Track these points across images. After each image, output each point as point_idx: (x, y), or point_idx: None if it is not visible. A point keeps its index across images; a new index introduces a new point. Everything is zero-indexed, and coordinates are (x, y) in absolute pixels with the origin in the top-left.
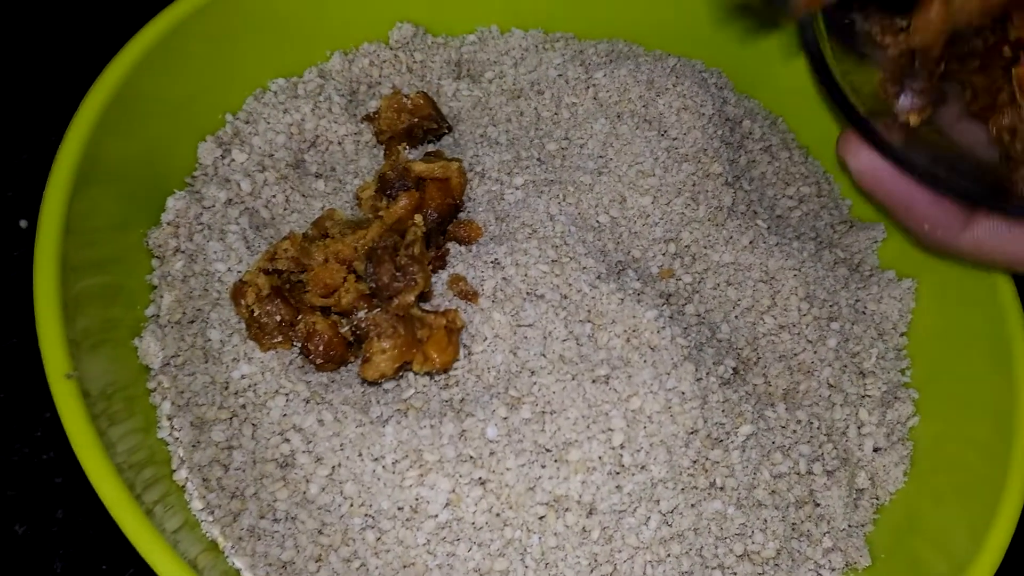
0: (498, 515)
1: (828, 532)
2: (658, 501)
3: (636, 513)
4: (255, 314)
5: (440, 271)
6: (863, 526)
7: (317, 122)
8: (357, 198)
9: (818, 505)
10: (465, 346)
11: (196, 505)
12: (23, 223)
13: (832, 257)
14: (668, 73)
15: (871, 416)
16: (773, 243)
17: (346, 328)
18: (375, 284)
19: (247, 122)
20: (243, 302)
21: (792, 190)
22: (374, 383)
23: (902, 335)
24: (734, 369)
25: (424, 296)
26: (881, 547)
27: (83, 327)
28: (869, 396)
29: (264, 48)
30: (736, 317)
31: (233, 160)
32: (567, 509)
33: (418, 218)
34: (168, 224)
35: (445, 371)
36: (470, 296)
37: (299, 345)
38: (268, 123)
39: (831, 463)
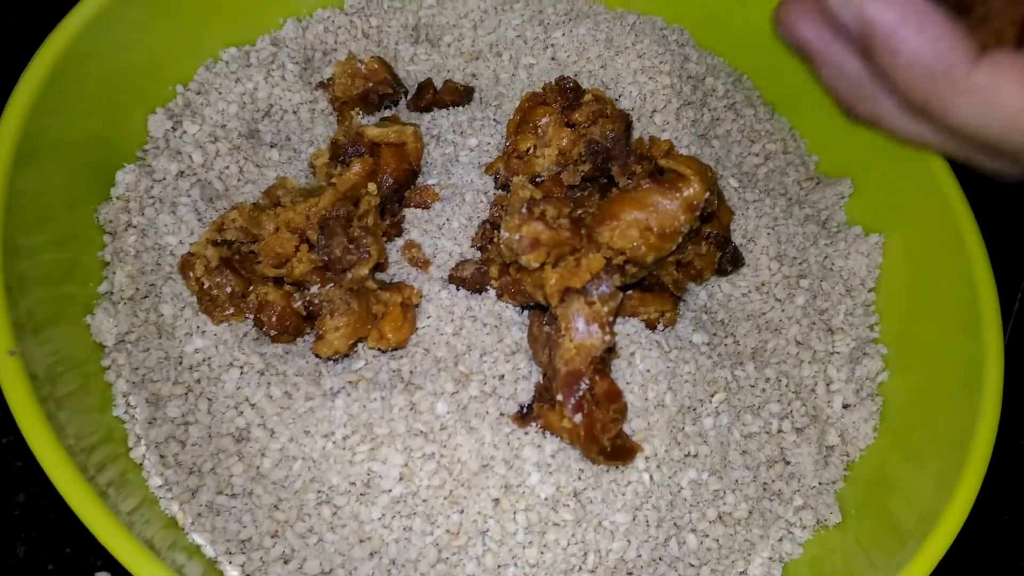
0: (451, 492)
1: (799, 490)
2: (628, 483)
3: (607, 494)
4: (205, 286)
5: (396, 239)
6: (833, 483)
7: (270, 91)
8: (311, 166)
9: (788, 463)
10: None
11: (154, 482)
12: None
13: (801, 214)
14: (627, 31)
15: (840, 373)
16: (751, 199)
17: (299, 303)
18: (327, 257)
19: (198, 93)
20: (192, 274)
21: (758, 147)
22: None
23: (870, 291)
24: (712, 335)
25: (379, 266)
26: (852, 503)
27: (30, 306)
28: (838, 353)
29: (215, 16)
30: (711, 281)
31: (185, 132)
32: (526, 491)
33: (372, 186)
34: (118, 199)
35: (399, 348)
36: (421, 264)
37: (252, 317)
38: (220, 93)
39: (800, 421)
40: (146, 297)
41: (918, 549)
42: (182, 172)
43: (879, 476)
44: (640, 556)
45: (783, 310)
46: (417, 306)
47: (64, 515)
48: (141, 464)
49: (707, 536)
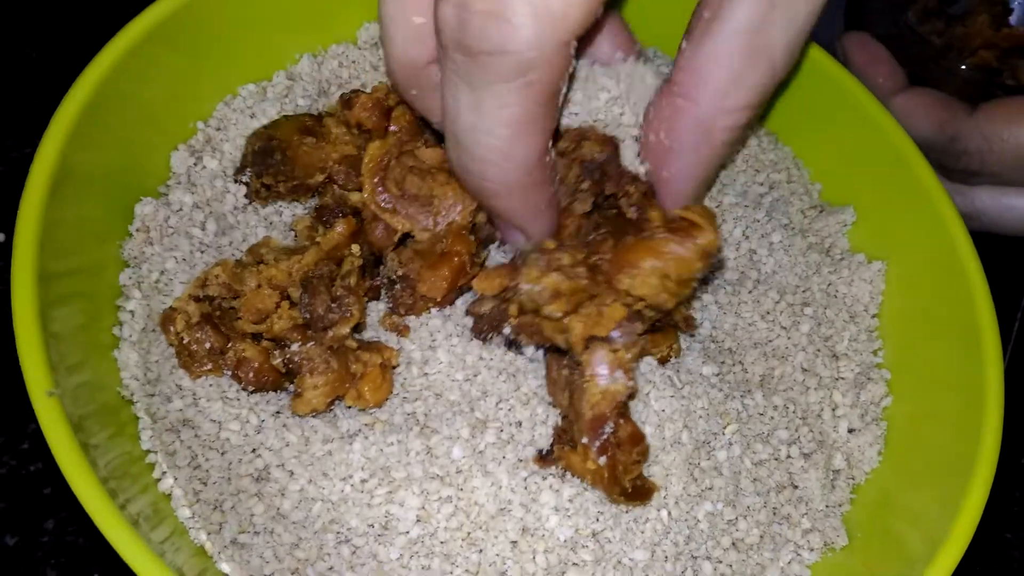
0: (469, 533)
1: (807, 514)
2: (647, 520)
3: (626, 533)
4: (185, 341)
5: (375, 300)
6: (840, 506)
7: None
8: (292, 230)
9: (796, 488)
10: (420, 364)
11: (183, 513)
12: (0, 236)
13: (804, 243)
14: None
15: (845, 398)
16: (755, 229)
17: (279, 360)
18: (309, 314)
19: (218, 128)
20: (172, 329)
21: (762, 177)
22: None
23: (873, 316)
24: (720, 363)
25: (358, 326)
26: (858, 526)
27: (63, 342)
28: (843, 378)
29: (236, 54)
30: (717, 311)
31: (204, 167)
32: (545, 533)
33: (355, 248)
34: (137, 231)
35: (378, 407)
36: (401, 330)
37: (229, 373)
38: (237, 128)
39: (808, 446)
40: (154, 331)
41: (925, 571)
42: (196, 204)
43: (884, 499)
44: None
45: (788, 337)
46: (395, 367)
47: (92, 541)
48: (170, 495)
49: (721, 563)
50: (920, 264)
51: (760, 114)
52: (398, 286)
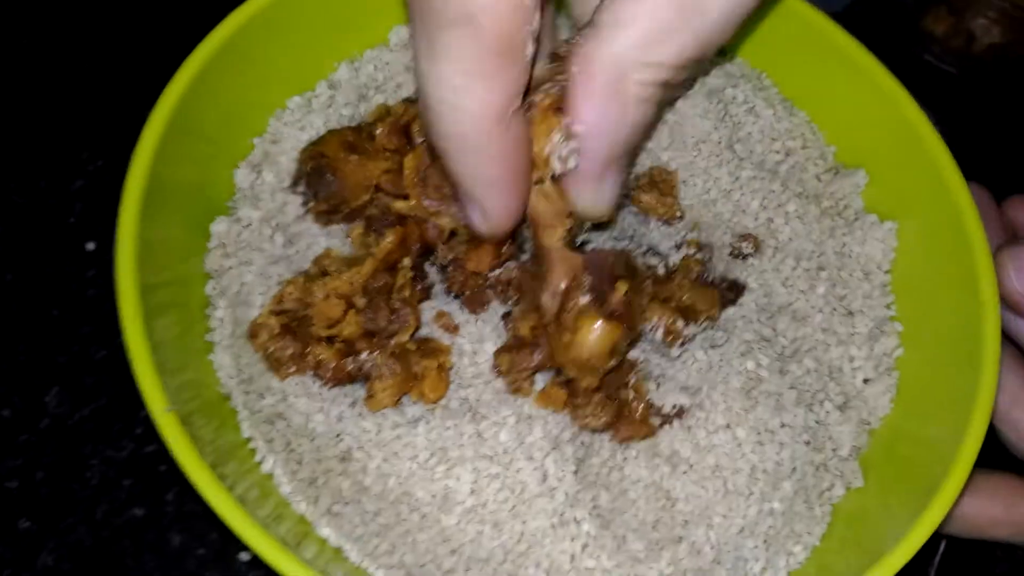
0: (514, 507)
1: (835, 462)
2: (710, 519)
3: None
4: (270, 351)
5: (426, 300)
6: (859, 450)
7: None
8: (348, 237)
9: (831, 438)
10: (470, 355)
11: (285, 489)
12: (90, 246)
13: (818, 210)
14: None
15: (860, 351)
16: (771, 197)
17: (352, 367)
18: (374, 326)
19: (273, 142)
20: (258, 341)
21: (778, 145)
22: None
23: (886, 272)
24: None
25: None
26: (872, 466)
27: (165, 349)
28: (858, 333)
29: (282, 68)
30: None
31: (264, 181)
32: (581, 519)
33: (407, 260)
34: (215, 248)
35: (438, 402)
36: (451, 329)
37: (311, 373)
38: (289, 142)
39: (837, 400)
40: (242, 337)
41: (936, 493)
42: (263, 218)
43: (895, 439)
44: None
45: (807, 300)
46: (451, 368)
47: (207, 508)
48: (271, 475)
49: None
50: (927, 223)
51: (691, 82)
52: (450, 268)
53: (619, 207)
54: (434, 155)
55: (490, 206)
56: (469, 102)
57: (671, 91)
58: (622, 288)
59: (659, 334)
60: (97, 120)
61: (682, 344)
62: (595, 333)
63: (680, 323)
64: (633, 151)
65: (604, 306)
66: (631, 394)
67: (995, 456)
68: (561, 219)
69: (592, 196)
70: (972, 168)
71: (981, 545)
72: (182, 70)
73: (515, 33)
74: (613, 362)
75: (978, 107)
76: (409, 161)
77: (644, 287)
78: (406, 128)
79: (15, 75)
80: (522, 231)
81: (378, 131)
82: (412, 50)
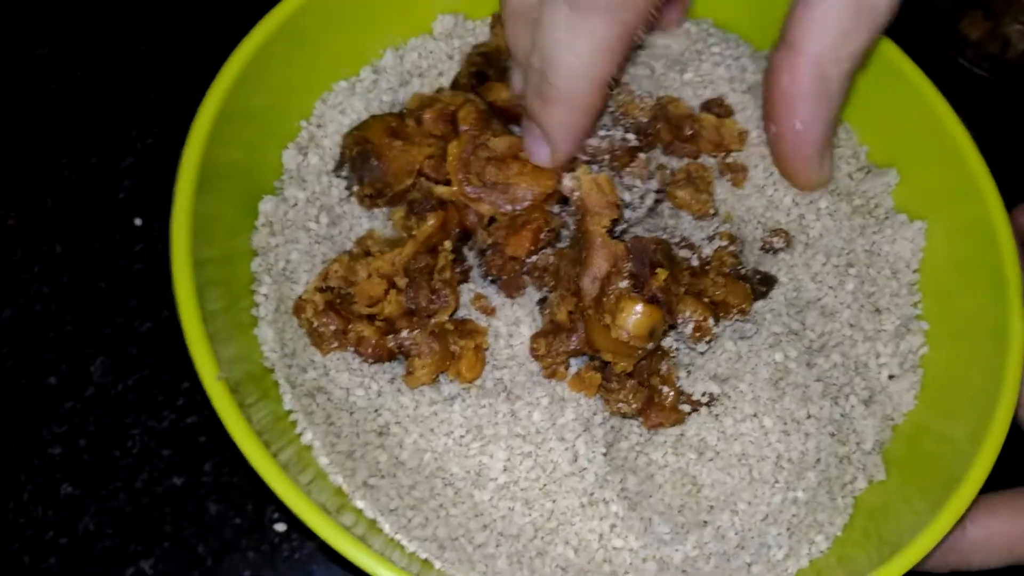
0: (544, 485)
1: (858, 455)
2: (735, 505)
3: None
4: (314, 326)
5: (465, 282)
6: (882, 444)
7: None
8: (390, 219)
9: (855, 432)
10: (506, 337)
11: (323, 461)
12: (137, 221)
13: (849, 208)
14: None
15: (886, 348)
16: (803, 195)
17: (392, 344)
18: (414, 305)
19: (318, 126)
20: (303, 316)
21: None
22: None
23: (915, 272)
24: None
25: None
26: (894, 461)
27: (217, 323)
28: (884, 330)
29: (329, 54)
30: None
31: (309, 163)
32: (608, 502)
33: (447, 244)
34: (262, 226)
35: (472, 382)
36: (488, 312)
37: (353, 349)
38: (333, 125)
39: (863, 394)
40: (286, 312)
41: (961, 482)
42: (308, 199)
43: (918, 434)
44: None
45: (836, 296)
46: (487, 349)
47: (244, 479)
48: (311, 447)
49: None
50: (956, 224)
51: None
52: (488, 252)
53: (657, 201)
54: (477, 145)
55: (564, 147)
56: (593, 70)
57: (855, 73)
58: (662, 275)
59: (689, 328)
60: (147, 100)
61: (709, 341)
62: (636, 315)
63: (710, 321)
64: (835, 129)
65: (644, 291)
66: (662, 381)
67: (1012, 474)
68: (611, 208)
69: (818, 172)
70: (1002, 172)
71: None
72: (235, 55)
73: (640, 27)
74: (651, 345)
75: (1011, 112)
76: (453, 148)
77: (680, 277)
78: (452, 116)
79: (71, 56)
80: (563, 216)
81: (426, 116)
82: (545, 20)
